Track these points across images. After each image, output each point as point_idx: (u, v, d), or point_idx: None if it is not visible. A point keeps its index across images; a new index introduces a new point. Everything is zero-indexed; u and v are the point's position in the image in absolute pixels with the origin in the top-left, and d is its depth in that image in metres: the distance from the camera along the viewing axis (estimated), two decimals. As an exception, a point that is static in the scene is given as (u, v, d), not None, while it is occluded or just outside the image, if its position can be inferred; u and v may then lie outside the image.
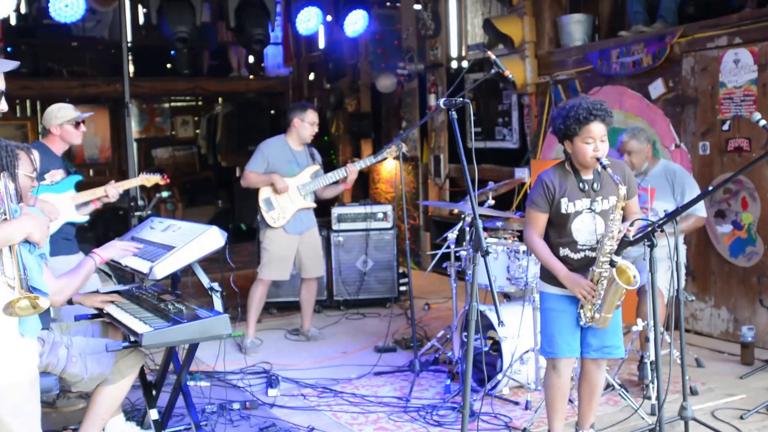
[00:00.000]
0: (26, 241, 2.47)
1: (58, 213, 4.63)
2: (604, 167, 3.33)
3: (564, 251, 3.50)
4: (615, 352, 3.56)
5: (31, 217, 2.47)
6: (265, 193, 5.73)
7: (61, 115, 4.68)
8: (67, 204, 4.69)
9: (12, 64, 2.61)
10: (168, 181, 5.23)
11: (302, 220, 5.83)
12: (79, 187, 4.85)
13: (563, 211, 3.45)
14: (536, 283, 4.51)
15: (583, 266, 3.46)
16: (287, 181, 5.71)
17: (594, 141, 3.35)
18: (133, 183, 5.11)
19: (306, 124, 5.73)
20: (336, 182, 5.88)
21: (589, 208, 3.45)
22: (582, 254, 3.48)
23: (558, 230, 3.50)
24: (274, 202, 5.72)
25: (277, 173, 5.69)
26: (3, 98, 2.58)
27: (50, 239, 4.59)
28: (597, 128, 3.34)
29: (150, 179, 5.09)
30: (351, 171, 5.75)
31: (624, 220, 3.51)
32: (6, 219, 2.41)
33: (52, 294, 3.28)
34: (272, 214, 5.73)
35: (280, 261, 5.80)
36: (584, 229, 3.45)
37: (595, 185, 3.46)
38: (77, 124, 4.72)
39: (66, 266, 4.62)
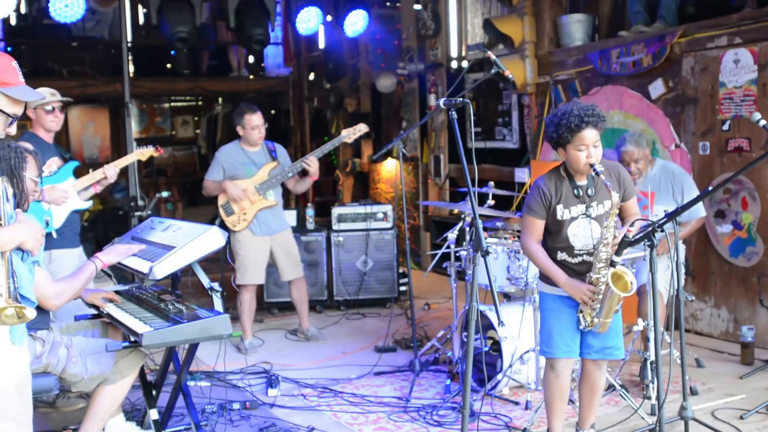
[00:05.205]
0: (19, 249, 2.45)
1: (68, 196, 4.63)
2: (597, 174, 3.33)
3: (561, 255, 3.51)
4: (616, 353, 3.56)
5: (26, 225, 2.45)
6: (222, 199, 5.71)
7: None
8: (70, 192, 4.69)
9: (36, 96, 2.60)
10: (161, 152, 5.21)
11: (270, 220, 5.78)
12: (77, 173, 4.85)
13: (559, 217, 3.47)
14: (536, 283, 4.52)
15: (582, 270, 3.47)
16: (244, 182, 5.67)
17: (587, 148, 3.35)
18: (129, 159, 5.09)
19: (249, 130, 5.68)
20: (305, 174, 5.80)
21: (585, 214, 3.46)
22: (580, 258, 3.49)
23: (554, 236, 3.51)
24: (233, 205, 5.68)
25: (235, 177, 5.67)
26: (15, 123, 2.57)
27: (58, 231, 4.64)
28: (589, 134, 3.35)
29: (144, 153, 5.10)
30: (310, 162, 5.65)
31: (623, 221, 3.52)
32: (0, 225, 2.40)
33: (50, 298, 3.28)
34: (232, 218, 5.69)
35: (253, 264, 5.76)
36: (581, 234, 3.46)
37: (589, 191, 3.46)
38: (53, 110, 4.69)
39: (67, 260, 4.64)
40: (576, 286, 3.42)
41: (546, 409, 3.69)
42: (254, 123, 5.68)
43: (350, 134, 5.71)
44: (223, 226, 5.58)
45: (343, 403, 4.62)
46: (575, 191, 3.46)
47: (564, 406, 3.67)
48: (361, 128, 5.74)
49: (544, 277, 3.59)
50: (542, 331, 3.64)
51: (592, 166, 3.35)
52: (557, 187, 3.48)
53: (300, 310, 6.06)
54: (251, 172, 5.72)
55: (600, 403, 3.87)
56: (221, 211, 5.72)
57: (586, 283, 3.41)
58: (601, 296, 3.38)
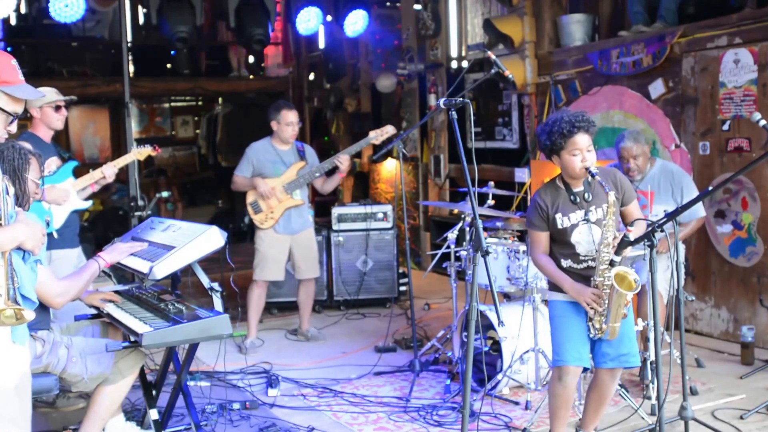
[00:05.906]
0: (20, 248, 2.45)
1: (68, 195, 4.64)
2: (593, 176, 3.34)
3: (566, 263, 3.51)
4: (632, 360, 3.50)
5: (25, 225, 2.44)
6: (251, 196, 5.75)
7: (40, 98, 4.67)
8: (70, 192, 4.69)
9: (37, 93, 2.60)
10: (159, 150, 5.24)
11: (294, 219, 5.81)
12: (76, 172, 4.86)
13: (559, 226, 3.48)
14: (537, 284, 4.52)
15: (588, 275, 3.45)
16: (273, 181, 5.70)
17: (581, 152, 3.38)
18: (127, 159, 5.11)
19: (283, 125, 5.71)
20: (332, 173, 5.85)
21: (584, 219, 3.46)
22: (585, 264, 3.49)
23: (559, 244, 3.52)
24: (261, 203, 5.72)
25: (264, 175, 5.71)
26: (16, 121, 2.56)
27: (59, 232, 4.65)
28: (582, 139, 3.37)
29: (142, 152, 5.12)
30: (342, 159, 5.70)
31: (626, 225, 3.52)
32: (1, 225, 2.39)
33: (55, 296, 3.30)
34: (260, 216, 5.73)
35: (272, 261, 5.79)
36: (583, 240, 3.46)
37: (586, 195, 3.47)
38: (58, 108, 4.69)
39: (66, 261, 4.65)
40: (580, 289, 3.41)
41: (550, 417, 3.65)
42: (289, 119, 5.71)
43: (378, 135, 5.72)
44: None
45: (343, 403, 4.62)
46: (572, 198, 3.47)
47: (568, 414, 3.64)
48: (389, 130, 5.74)
49: (553, 285, 3.58)
50: (553, 341, 3.57)
51: (587, 169, 3.36)
52: (553, 197, 3.50)
53: (303, 311, 6.06)
54: (280, 171, 5.75)
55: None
56: (249, 209, 5.76)
57: (591, 287, 3.40)
58: (606, 300, 3.36)
